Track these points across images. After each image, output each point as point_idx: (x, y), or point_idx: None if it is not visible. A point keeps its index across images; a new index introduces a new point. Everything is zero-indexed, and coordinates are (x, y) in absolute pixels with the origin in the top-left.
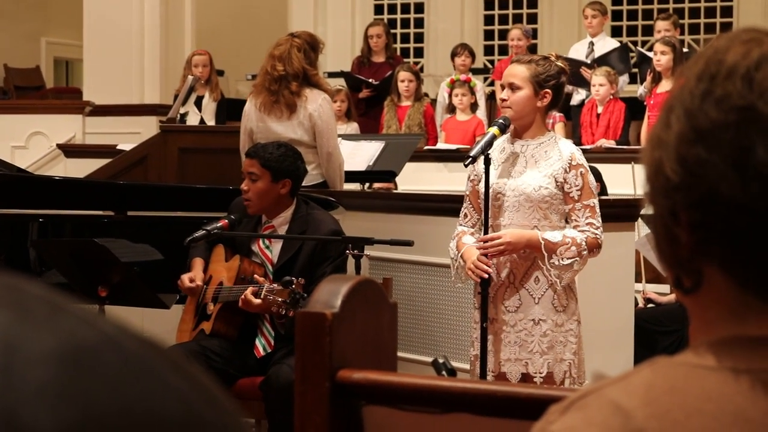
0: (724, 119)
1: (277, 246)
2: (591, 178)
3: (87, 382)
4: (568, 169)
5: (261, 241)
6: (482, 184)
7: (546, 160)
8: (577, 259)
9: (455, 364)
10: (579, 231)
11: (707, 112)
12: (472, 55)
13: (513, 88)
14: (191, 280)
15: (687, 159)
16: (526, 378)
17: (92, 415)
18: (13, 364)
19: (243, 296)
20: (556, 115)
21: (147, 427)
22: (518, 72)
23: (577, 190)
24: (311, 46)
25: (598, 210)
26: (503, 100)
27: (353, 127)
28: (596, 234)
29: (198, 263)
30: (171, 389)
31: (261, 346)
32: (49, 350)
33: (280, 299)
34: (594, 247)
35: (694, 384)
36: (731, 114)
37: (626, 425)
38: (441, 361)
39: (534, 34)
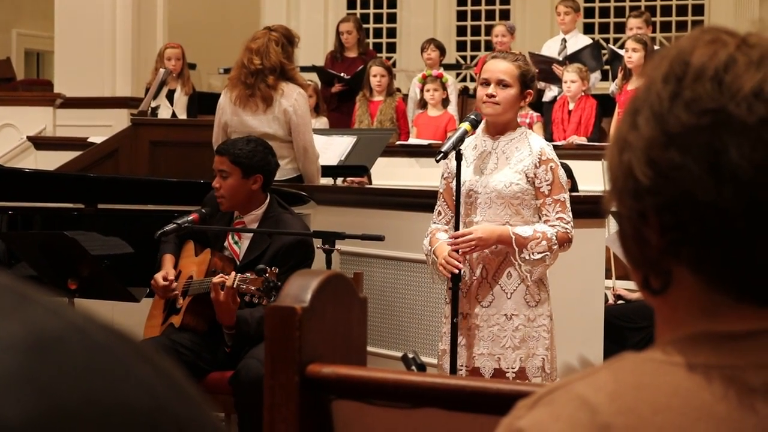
0: (696, 122)
1: (245, 243)
2: (561, 172)
3: (53, 372)
4: (538, 164)
5: (230, 236)
6: (455, 181)
7: (516, 156)
8: (548, 253)
9: (426, 359)
10: (549, 225)
11: (678, 115)
12: (441, 49)
13: (503, 84)
14: (165, 278)
15: (658, 163)
16: (498, 373)
17: (58, 404)
18: None
19: (211, 282)
20: (534, 114)
21: (113, 416)
22: (508, 69)
23: (547, 185)
24: (288, 40)
25: (568, 204)
26: (491, 96)
27: (322, 122)
28: (566, 228)
29: (168, 260)
30: (138, 379)
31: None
32: (15, 339)
33: (253, 287)
34: (564, 242)
35: (662, 380)
36: (703, 117)
37: (593, 420)
38: (411, 356)
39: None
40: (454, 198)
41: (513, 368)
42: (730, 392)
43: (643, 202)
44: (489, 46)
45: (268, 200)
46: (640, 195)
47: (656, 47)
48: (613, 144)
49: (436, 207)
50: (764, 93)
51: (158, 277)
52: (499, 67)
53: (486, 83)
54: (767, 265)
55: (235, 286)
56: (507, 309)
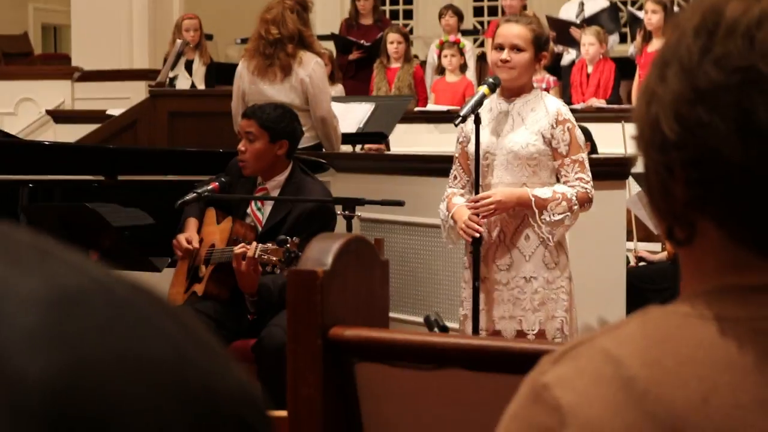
0: (725, 80)
1: (267, 209)
2: (578, 132)
3: (76, 327)
4: (554, 125)
5: (254, 203)
6: (471, 146)
7: (532, 117)
8: (568, 213)
9: (448, 324)
10: (569, 186)
11: (707, 71)
12: (459, 15)
13: (517, 49)
14: (188, 241)
15: (686, 119)
16: (520, 335)
17: (81, 359)
18: (1, 310)
19: (238, 252)
20: (551, 79)
21: (137, 370)
22: (521, 33)
23: (565, 145)
24: (302, 6)
25: (587, 164)
26: (505, 61)
27: (338, 90)
28: (586, 188)
29: (192, 223)
30: (161, 333)
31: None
32: (38, 295)
33: (274, 258)
34: (585, 202)
35: (686, 333)
36: (732, 75)
37: (618, 373)
38: (433, 318)
39: None
40: (470, 162)
41: (533, 330)
42: (756, 344)
43: (669, 155)
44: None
45: (290, 166)
46: (667, 149)
47: (675, 9)
48: (641, 95)
49: (451, 171)
50: None
51: (181, 238)
52: (512, 31)
53: (500, 48)
54: None
55: (256, 256)
56: (526, 272)
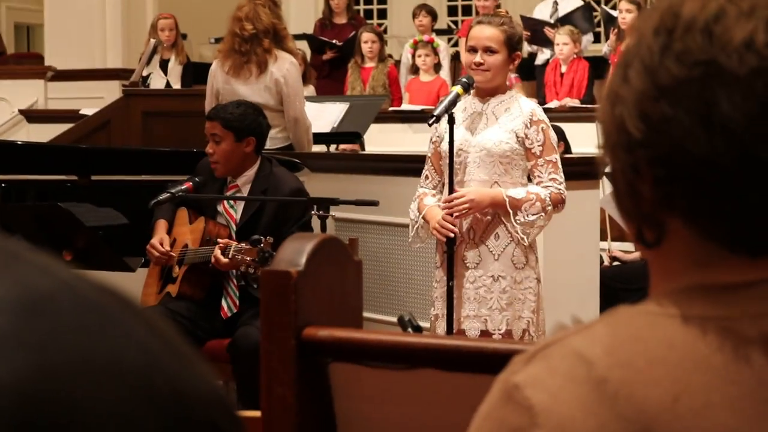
0: (687, 74)
1: (241, 205)
2: (552, 134)
3: (44, 331)
4: (528, 125)
5: (226, 201)
6: (444, 145)
7: (507, 117)
8: (542, 214)
9: (421, 323)
10: (542, 187)
11: (668, 67)
12: (432, 15)
13: (490, 51)
14: (161, 244)
15: (650, 116)
16: (485, 335)
17: (50, 363)
18: None
19: (213, 256)
20: (512, 76)
21: (106, 374)
22: (493, 35)
23: (538, 146)
24: (273, 1)
25: (560, 165)
26: (479, 64)
27: (309, 90)
28: (560, 189)
29: (161, 225)
30: (130, 336)
31: (227, 306)
32: (6, 299)
33: (248, 258)
34: (558, 203)
35: (657, 332)
36: (694, 69)
37: (589, 374)
38: (407, 318)
39: None
40: (443, 161)
41: (499, 330)
42: (726, 343)
43: (636, 155)
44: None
45: (259, 159)
46: (633, 148)
47: (649, 7)
48: (605, 98)
49: (423, 171)
50: (755, 44)
51: (155, 243)
52: (484, 34)
53: (473, 50)
54: (759, 217)
55: (230, 256)
56: (494, 270)
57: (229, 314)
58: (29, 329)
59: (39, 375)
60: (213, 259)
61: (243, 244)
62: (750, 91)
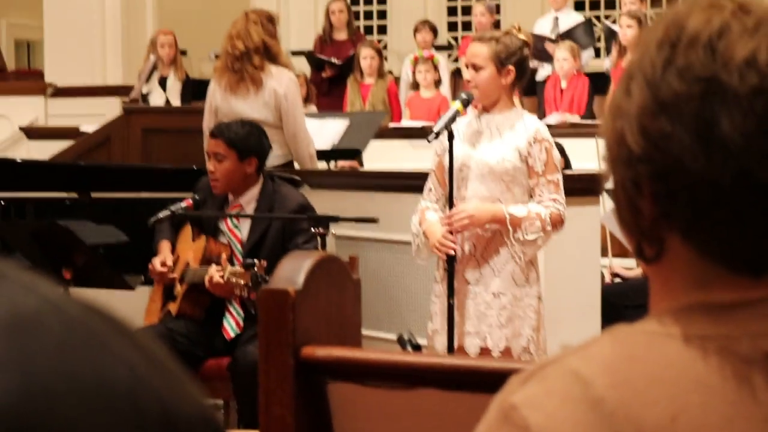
0: (688, 91)
1: (246, 225)
2: (556, 153)
3: (29, 349)
4: (532, 143)
5: (229, 221)
6: (447, 158)
7: (510, 133)
8: (542, 234)
9: (421, 340)
10: (543, 206)
11: (670, 83)
12: (434, 31)
13: (476, 68)
14: (163, 264)
15: (650, 131)
16: (484, 352)
17: (36, 382)
18: None
19: (208, 277)
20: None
21: (92, 393)
22: (479, 51)
23: (541, 164)
24: (267, 19)
25: (561, 185)
26: (469, 81)
27: (311, 110)
28: (560, 210)
29: (165, 246)
30: (116, 354)
31: (230, 327)
32: None
33: (242, 282)
34: (557, 223)
35: (655, 352)
36: (694, 85)
37: (587, 394)
38: (406, 337)
39: (497, 9)
40: (445, 174)
41: (499, 347)
42: (725, 363)
43: (636, 170)
44: None
45: (262, 179)
46: (633, 163)
47: (650, 23)
48: (607, 111)
49: (426, 183)
50: (757, 62)
51: (156, 261)
52: (471, 50)
53: (467, 67)
54: (756, 236)
55: (225, 279)
56: (494, 287)
57: (232, 335)
58: (14, 349)
59: (24, 395)
60: (207, 282)
61: (238, 267)
62: (750, 110)
